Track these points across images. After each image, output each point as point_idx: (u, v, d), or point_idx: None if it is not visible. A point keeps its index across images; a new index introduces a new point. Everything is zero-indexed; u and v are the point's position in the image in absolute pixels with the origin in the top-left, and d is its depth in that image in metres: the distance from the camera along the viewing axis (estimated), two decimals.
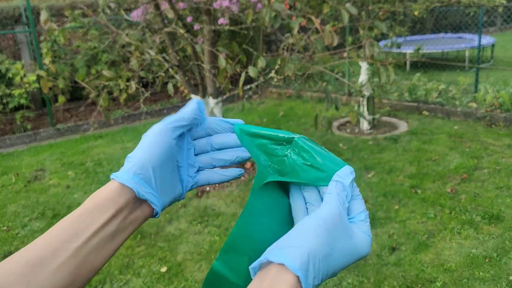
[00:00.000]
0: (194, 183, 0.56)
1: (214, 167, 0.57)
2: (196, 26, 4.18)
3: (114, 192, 0.48)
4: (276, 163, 0.54)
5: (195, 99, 0.56)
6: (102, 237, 0.47)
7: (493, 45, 8.79)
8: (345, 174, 0.49)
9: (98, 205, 0.48)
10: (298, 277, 0.41)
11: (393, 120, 5.73)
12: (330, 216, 0.45)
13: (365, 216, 0.48)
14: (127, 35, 3.55)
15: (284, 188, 0.55)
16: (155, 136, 0.51)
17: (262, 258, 0.42)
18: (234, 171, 0.58)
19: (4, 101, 6.13)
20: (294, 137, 0.53)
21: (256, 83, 3.20)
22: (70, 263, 0.45)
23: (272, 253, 0.42)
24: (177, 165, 0.54)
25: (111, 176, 0.50)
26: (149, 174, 0.49)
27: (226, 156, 0.56)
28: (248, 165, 4.49)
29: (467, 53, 8.55)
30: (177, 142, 0.53)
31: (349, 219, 0.48)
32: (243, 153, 0.56)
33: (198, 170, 0.57)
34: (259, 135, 0.55)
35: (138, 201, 0.50)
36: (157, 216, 0.51)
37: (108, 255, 0.48)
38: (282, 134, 0.54)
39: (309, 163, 0.52)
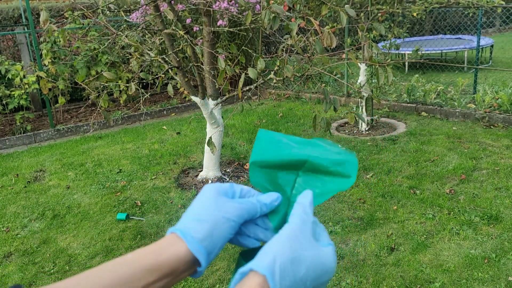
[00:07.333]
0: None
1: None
2: (196, 28, 4.19)
3: (179, 256, 0.51)
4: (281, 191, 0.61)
5: (277, 194, 0.59)
6: None
7: (492, 46, 8.81)
8: (304, 196, 0.56)
9: (163, 261, 0.51)
10: (265, 276, 0.46)
11: (392, 121, 5.74)
12: (292, 229, 0.51)
13: (329, 244, 0.53)
14: (126, 36, 3.56)
15: None
16: (234, 220, 0.54)
17: (241, 270, 0.48)
18: (253, 244, 0.60)
19: (4, 102, 6.14)
20: (306, 159, 0.61)
21: (255, 85, 3.21)
22: None
23: (247, 265, 0.48)
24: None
25: (177, 232, 0.53)
26: (214, 252, 0.53)
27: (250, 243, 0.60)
28: (247, 165, 4.50)
29: (466, 54, 8.57)
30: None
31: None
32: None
33: None
34: (271, 165, 0.61)
35: (191, 267, 0.53)
36: (196, 276, 0.55)
37: None
38: (294, 156, 0.61)
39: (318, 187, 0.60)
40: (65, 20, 5.62)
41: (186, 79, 3.75)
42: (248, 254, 0.58)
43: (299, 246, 0.49)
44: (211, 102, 3.99)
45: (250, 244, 0.58)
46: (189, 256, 0.51)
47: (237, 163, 4.64)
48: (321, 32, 2.62)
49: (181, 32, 3.20)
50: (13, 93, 6.05)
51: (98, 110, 3.79)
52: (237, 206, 0.55)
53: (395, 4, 5.09)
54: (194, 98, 3.90)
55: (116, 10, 3.32)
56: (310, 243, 0.51)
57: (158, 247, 0.51)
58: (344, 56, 5.60)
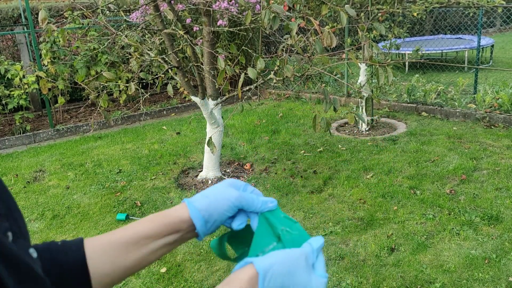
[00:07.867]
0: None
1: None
2: (196, 28, 4.19)
3: (183, 218, 0.68)
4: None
5: (273, 200, 0.70)
6: (164, 243, 0.68)
7: (492, 46, 8.80)
8: (316, 241, 0.65)
9: (170, 221, 0.68)
10: (258, 274, 0.56)
11: (392, 121, 5.73)
12: (298, 252, 0.61)
13: (324, 276, 0.61)
14: (126, 36, 3.55)
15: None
16: (232, 201, 0.68)
17: (246, 259, 0.58)
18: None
19: (3, 102, 6.13)
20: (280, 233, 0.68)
21: (255, 85, 3.21)
22: (141, 252, 0.66)
23: (252, 258, 0.59)
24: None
25: (185, 201, 0.69)
26: (211, 221, 0.68)
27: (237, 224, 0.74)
28: (247, 166, 4.49)
29: (466, 54, 8.56)
30: None
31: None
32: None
33: None
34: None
35: (193, 229, 0.69)
36: (199, 239, 0.71)
37: (159, 256, 0.69)
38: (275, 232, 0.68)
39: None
40: (65, 20, 5.62)
41: (186, 79, 3.74)
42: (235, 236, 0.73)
43: (298, 267, 0.59)
44: (211, 102, 3.98)
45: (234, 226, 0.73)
46: (190, 219, 0.67)
47: (237, 163, 4.63)
48: (321, 32, 2.62)
49: (181, 32, 3.19)
50: (12, 93, 6.04)
51: (98, 110, 3.79)
52: (237, 193, 0.69)
53: (395, 4, 5.08)
54: (194, 98, 3.90)
55: (116, 10, 3.31)
56: (309, 269, 0.60)
57: (171, 210, 0.69)
58: (344, 56, 5.60)
